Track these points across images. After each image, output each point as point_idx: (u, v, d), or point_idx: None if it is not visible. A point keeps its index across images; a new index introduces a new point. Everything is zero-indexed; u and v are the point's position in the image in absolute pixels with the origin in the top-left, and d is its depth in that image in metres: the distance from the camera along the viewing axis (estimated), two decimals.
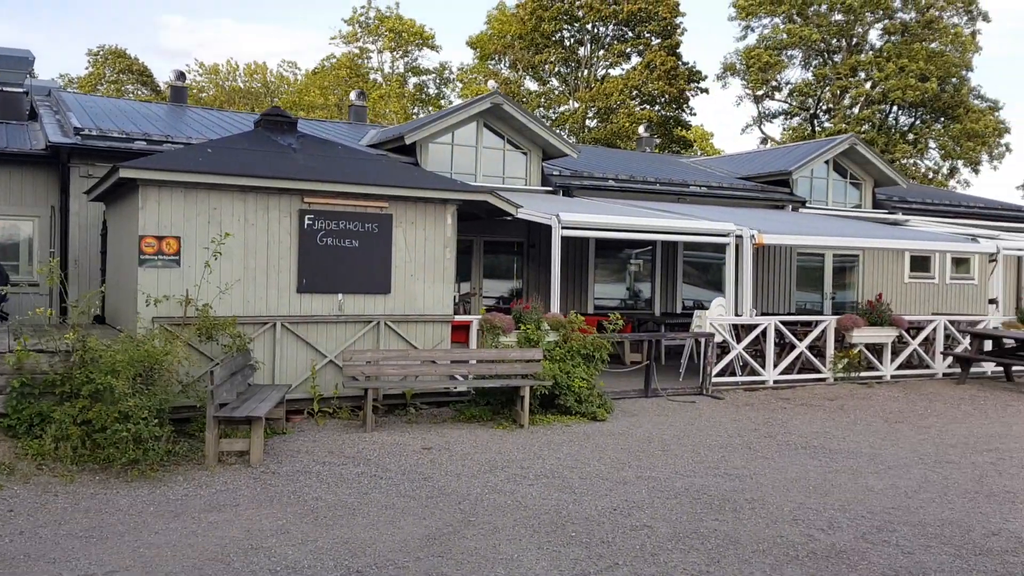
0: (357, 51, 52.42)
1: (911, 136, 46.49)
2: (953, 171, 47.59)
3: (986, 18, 45.08)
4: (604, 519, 6.34)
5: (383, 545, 5.67)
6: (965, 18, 44.72)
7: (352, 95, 22.70)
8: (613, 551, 5.65)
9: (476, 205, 11.34)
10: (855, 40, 46.23)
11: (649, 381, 12.36)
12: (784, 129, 51.00)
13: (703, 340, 12.89)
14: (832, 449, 9.17)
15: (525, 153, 16.72)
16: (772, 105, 51.67)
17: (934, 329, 14.94)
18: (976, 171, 47.13)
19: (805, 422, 10.73)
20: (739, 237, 13.26)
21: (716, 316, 13.26)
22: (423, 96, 53.62)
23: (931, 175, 47.57)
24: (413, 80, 53.99)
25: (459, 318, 11.27)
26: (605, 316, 12.29)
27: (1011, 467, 8.50)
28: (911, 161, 47.24)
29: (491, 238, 17.01)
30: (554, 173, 17.04)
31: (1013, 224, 22.17)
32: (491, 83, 21.05)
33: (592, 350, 10.99)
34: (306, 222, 9.99)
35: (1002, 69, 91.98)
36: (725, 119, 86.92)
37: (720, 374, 13.16)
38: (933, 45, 43.59)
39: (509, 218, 12.04)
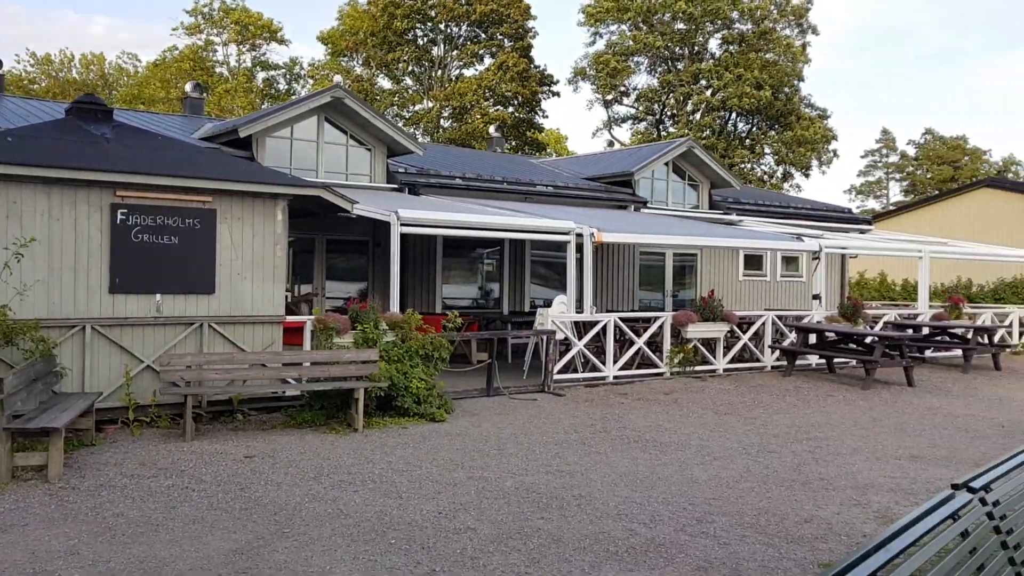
0: (201, 43, 50.17)
1: (748, 142, 48.92)
2: (787, 175, 50.42)
3: (815, 31, 48.03)
4: (427, 524, 6.14)
5: (183, 563, 5.25)
6: (796, 30, 47.51)
7: (188, 87, 21.59)
8: (432, 557, 5.45)
9: (310, 201, 10.91)
10: (696, 48, 48.23)
11: (491, 380, 12.28)
12: (632, 133, 52.58)
13: (545, 338, 12.94)
14: (663, 442, 9.35)
15: (369, 149, 16.33)
16: (621, 110, 53.16)
17: (763, 324, 15.65)
18: (807, 175, 50.09)
19: (640, 416, 10.92)
20: (579, 235, 13.40)
21: (558, 314, 13.35)
22: (273, 91, 51.92)
23: (767, 179, 50.23)
24: (262, 75, 52.21)
25: (292, 319, 10.80)
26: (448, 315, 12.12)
27: (827, 455, 8.91)
28: (749, 165, 49.72)
29: (336, 236, 16.53)
30: (400, 171, 16.74)
31: (836, 224, 23.63)
32: (336, 77, 20.47)
33: (431, 350, 10.78)
34: (119, 217, 9.29)
35: (830, 79, 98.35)
36: (580, 123, 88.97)
37: (563, 371, 13.26)
38: (768, 55, 46.05)
39: (351, 215, 11.65)
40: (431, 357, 10.77)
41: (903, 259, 30.34)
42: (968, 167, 74.71)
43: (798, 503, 6.93)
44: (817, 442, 9.57)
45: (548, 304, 16.12)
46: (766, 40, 45.83)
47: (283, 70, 52.74)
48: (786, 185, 50.34)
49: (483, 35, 47.72)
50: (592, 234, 13.34)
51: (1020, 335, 19.95)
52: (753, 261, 23.25)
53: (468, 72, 48.28)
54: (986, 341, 16.55)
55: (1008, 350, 18.71)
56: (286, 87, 53.03)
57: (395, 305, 11.93)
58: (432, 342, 10.82)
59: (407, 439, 9.11)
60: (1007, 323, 19.45)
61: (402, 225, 11.89)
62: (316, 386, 9.70)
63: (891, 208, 57.31)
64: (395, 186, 16.40)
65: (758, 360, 15.60)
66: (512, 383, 12.86)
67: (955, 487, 3.60)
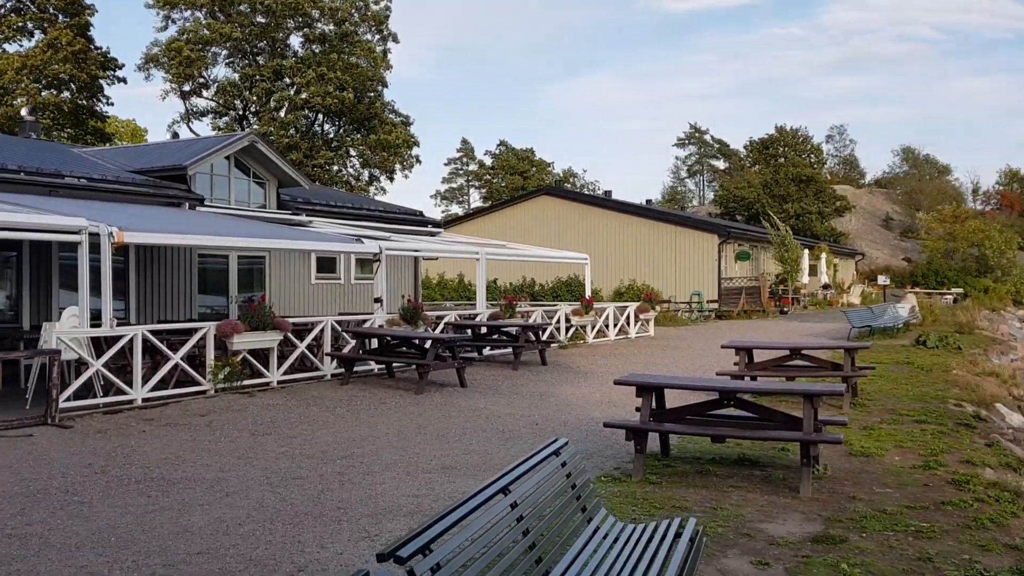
0: None
1: (334, 143, 48.59)
2: (373, 179, 51.03)
3: (395, 39, 49.11)
4: None
5: None
6: (377, 36, 48.18)
7: None
8: None
9: None
10: (278, 44, 46.68)
11: None
12: (214, 128, 49.44)
13: (49, 358, 10.72)
14: (172, 479, 7.93)
15: None
16: (200, 103, 49.74)
17: (321, 330, 14.84)
18: (391, 179, 51.18)
19: (160, 447, 9.36)
20: (94, 235, 11.35)
21: (68, 328, 11.18)
22: None
23: (354, 182, 50.36)
24: None
25: None
26: None
27: (357, 475, 8.19)
28: (336, 168, 49.40)
29: None
30: None
31: (408, 227, 23.82)
32: None
33: None
34: None
35: (415, 88, 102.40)
36: (162, 114, 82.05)
37: (80, 396, 11.15)
38: (351, 58, 46.05)
39: None
40: None
41: (481, 261, 32.06)
42: (535, 177, 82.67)
43: (301, 544, 6.01)
44: (352, 460, 8.84)
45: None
46: (348, 42, 45.80)
47: None
48: (372, 189, 50.94)
49: (33, 7, 41.45)
50: (111, 234, 11.39)
51: (567, 330, 21.65)
52: (326, 264, 22.53)
53: (11, 48, 41.59)
54: (534, 338, 17.50)
55: (554, 345, 20.16)
56: None
57: None
58: None
59: None
60: (555, 320, 20.97)
61: None
62: None
63: (471, 212, 60.97)
64: None
65: (317, 369, 14.75)
66: (10, 416, 10.45)
67: (380, 558, 2.82)
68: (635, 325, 24.82)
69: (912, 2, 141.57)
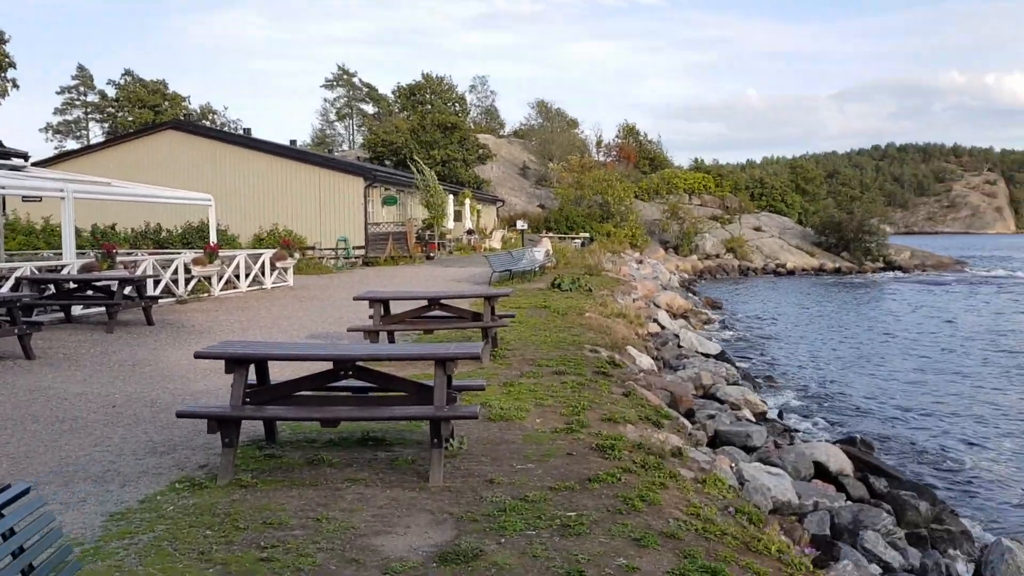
0: None
1: None
2: None
3: None
4: None
5: None
6: None
7: None
8: None
9: None
10: None
11: None
12: None
13: None
14: None
15: None
16: None
17: None
18: None
19: None
20: None
21: None
22: None
23: None
24: None
25: None
26: None
27: None
28: None
29: None
30: None
31: None
32: None
33: None
34: None
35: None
36: None
37: None
38: None
39: None
40: None
41: (115, 204, 27.21)
42: (168, 112, 74.94)
43: None
44: None
45: None
46: None
47: None
48: None
49: None
50: None
51: (188, 283, 18.81)
52: None
53: None
54: (136, 294, 14.61)
55: (169, 301, 17.32)
56: None
57: None
58: None
59: None
60: (171, 270, 18.02)
61: None
62: None
63: (87, 147, 53.19)
64: None
65: None
66: None
67: None
68: (272, 274, 22.53)
69: None
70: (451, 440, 6.74)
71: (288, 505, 5.46)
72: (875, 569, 6.44)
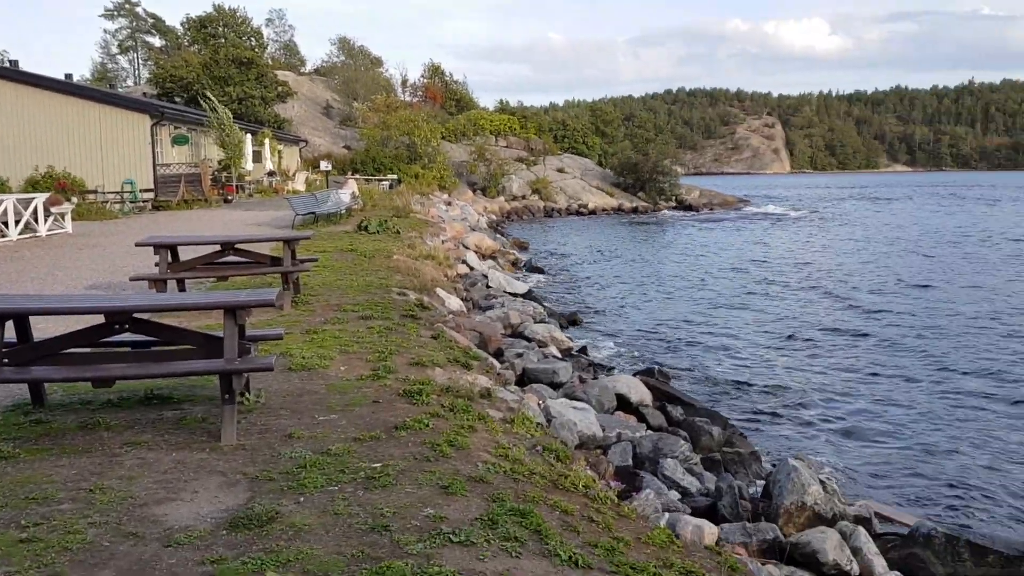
0: None
1: None
2: None
3: None
4: None
5: None
6: None
7: None
8: None
9: None
10: None
11: None
12: None
13: None
14: None
15: None
16: None
17: None
18: None
19: None
20: None
21: None
22: None
23: None
24: None
25: None
26: None
27: None
28: None
29: None
30: None
31: None
32: None
33: None
34: None
35: None
36: None
37: None
38: None
39: None
40: None
41: None
42: None
43: None
44: None
45: None
46: None
47: None
48: None
49: None
50: None
51: None
52: None
53: None
54: None
55: None
56: None
57: None
58: None
59: None
60: None
61: None
62: None
63: None
64: None
65: None
66: None
67: None
68: (47, 221, 20.43)
69: None
70: (246, 394, 6.29)
71: (56, 476, 4.85)
72: (674, 495, 6.69)
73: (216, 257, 11.29)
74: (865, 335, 16.34)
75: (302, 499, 4.49)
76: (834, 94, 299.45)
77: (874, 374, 13.33)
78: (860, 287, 22.67)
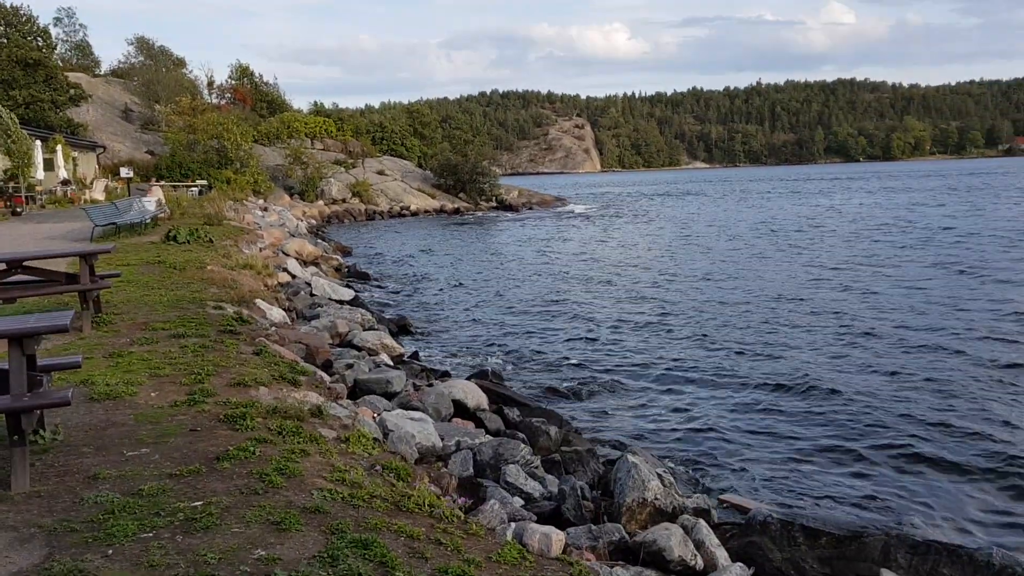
0: None
1: None
2: None
3: None
4: None
5: None
6: None
7: None
8: None
9: None
10: None
11: None
12: None
13: None
14: None
15: None
16: None
17: None
18: None
19: None
20: None
21: None
22: None
23: None
24: None
25: None
26: None
27: None
28: None
29: None
30: None
31: None
32: None
33: None
34: None
35: None
36: None
37: None
38: None
39: None
40: None
41: None
42: None
43: None
44: None
45: None
46: None
47: None
48: None
49: None
50: None
51: None
52: None
53: None
54: None
55: None
56: None
57: None
58: None
59: None
60: None
61: None
62: None
63: None
64: None
65: None
66: None
67: None
68: None
69: None
70: (41, 432, 5.56)
71: None
72: (518, 502, 6.54)
73: (1, 277, 10.07)
74: (684, 322, 17.02)
75: (111, 551, 3.94)
76: (637, 96, 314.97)
77: (683, 360, 13.86)
78: (677, 277, 23.73)
